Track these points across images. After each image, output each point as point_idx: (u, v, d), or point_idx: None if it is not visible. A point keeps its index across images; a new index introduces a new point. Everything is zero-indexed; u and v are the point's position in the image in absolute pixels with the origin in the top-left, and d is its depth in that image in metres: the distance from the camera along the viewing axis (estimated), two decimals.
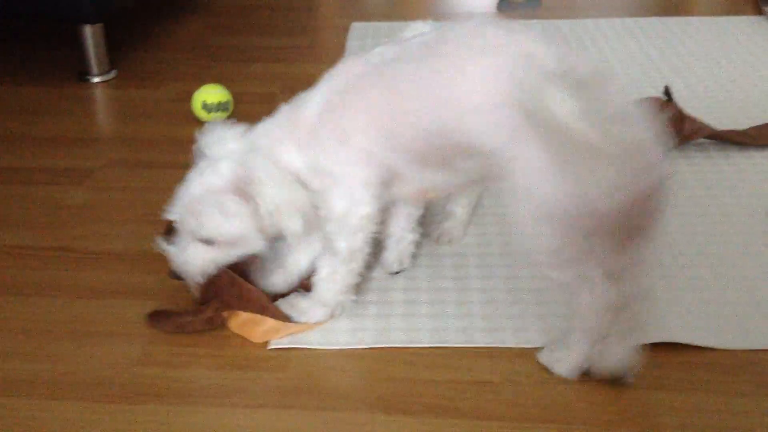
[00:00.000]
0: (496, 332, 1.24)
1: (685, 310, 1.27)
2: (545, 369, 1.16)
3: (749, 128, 1.79)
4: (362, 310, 1.30)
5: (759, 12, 2.67)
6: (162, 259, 1.42)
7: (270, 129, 1.26)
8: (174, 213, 1.23)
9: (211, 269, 1.24)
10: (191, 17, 2.85)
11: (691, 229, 1.48)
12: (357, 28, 2.67)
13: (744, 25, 2.58)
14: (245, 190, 1.19)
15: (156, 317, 1.27)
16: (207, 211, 1.19)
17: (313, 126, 1.22)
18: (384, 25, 2.70)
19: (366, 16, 2.81)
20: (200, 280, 1.24)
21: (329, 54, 2.47)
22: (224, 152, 1.23)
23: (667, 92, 1.77)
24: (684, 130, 1.73)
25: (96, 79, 2.26)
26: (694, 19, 2.66)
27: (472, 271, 1.39)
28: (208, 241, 1.21)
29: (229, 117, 2.00)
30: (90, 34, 2.22)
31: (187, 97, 2.02)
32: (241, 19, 2.85)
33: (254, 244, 1.23)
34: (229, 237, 1.21)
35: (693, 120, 1.75)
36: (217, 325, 1.26)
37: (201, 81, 2.06)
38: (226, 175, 1.20)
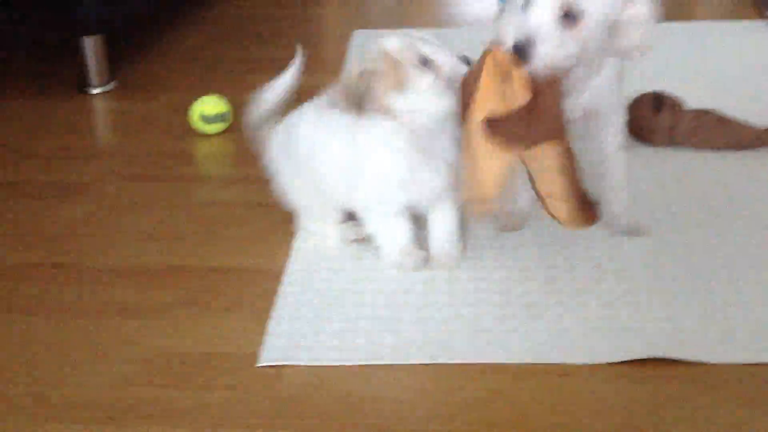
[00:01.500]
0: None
1: (679, 327, 1.26)
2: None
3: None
4: (352, 326, 1.29)
5: (761, 16, 2.65)
6: (159, 276, 1.43)
7: None
8: None
9: (563, 55, 1.19)
10: (192, 27, 2.85)
11: (688, 239, 1.48)
12: (359, 36, 2.67)
13: (745, 29, 2.56)
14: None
15: (490, 125, 1.21)
16: None
17: None
18: (386, 33, 2.68)
19: (368, 24, 2.80)
20: (557, 59, 1.18)
21: (330, 64, 2.46)
22: None
23: (657, 99, 1.76)
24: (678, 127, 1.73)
25: (95, 91, 2.26)
26: (696, 24, 2.64)
27: (464, 286, 1.39)
28: (575, 17, 1.17)
29: (228, 128, 2.00)
30: (90, 45, 2.22)
31: (186, 109, 2.02)
32: (242, 29, 2.85)
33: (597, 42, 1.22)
34: (596, 30, 1.19)
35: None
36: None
37: (200, 92, 2.06)
38: None
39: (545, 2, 1.18)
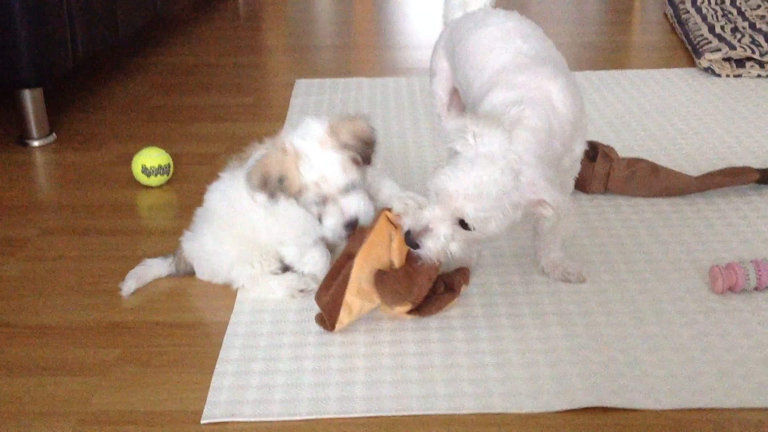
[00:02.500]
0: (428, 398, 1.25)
1: (616, 372, 1.29)
2: None
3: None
4: (297, 379, 1.29)
5: (692, 64, 2.75)
6: (101, 333, 1.41)
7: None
8: (455, 194, 1.27)
9: (453, 250, 1.31)
10: (134, 77, 2.85)
11: (623, 284, 1.52)
12: (301, 84, 2.70)
13: (679, 77, 2.65)
14: (538, 209, 1.31)
15: (420, 308, 1.41)
16: (494, 213, 1.28)
17: None
18: (328, 81, 2.72)
19: (310, 73, 2.84)
20: (442, 255, 1.31)
21: (273, 111, 2.48)
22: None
23: (592, 148, 1.80)
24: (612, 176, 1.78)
25: (35, 143, 2.24)
26: (630, 72, 2.72)
27: (409, 336, 1.40)
28: (467, 228, 1.29)
29: (169, 179, 2.00)
30: (29, 98, 2.21)
31: (128, 160, 2.01)
32: (185, 78, 2.85)
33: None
34: (492, 235, 1.32)
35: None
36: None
37: (142, 142, 2.05)
38: (524, 190, 1.29)
39: (444, 209, 1.28)
